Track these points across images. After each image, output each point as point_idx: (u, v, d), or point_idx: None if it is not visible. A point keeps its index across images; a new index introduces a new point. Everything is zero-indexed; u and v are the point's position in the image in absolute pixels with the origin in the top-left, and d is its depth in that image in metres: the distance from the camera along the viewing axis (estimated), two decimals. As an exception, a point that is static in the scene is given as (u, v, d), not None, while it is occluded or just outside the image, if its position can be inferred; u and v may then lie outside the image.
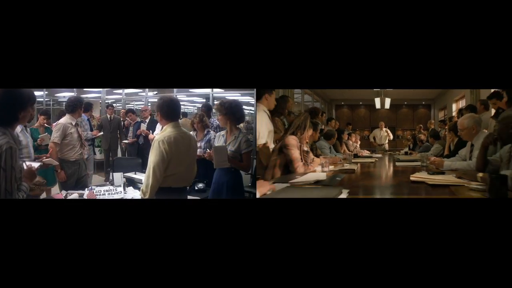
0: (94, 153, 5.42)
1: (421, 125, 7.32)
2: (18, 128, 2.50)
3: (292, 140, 2.49)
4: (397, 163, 3.23)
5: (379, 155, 4.88)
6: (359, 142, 5.98)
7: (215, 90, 5.39)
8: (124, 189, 2.65)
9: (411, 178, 1.82)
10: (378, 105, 8.20)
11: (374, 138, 7.77)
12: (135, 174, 3.32)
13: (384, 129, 7.73)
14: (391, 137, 7.75)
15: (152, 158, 1.89)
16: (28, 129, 2.90)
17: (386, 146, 7.55)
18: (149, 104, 5.97)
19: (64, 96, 7.20)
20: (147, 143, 4.42)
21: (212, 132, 3.44)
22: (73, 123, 2.98)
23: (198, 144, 3.21)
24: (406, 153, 5.27)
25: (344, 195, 1.47)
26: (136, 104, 7.29)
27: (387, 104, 8.19)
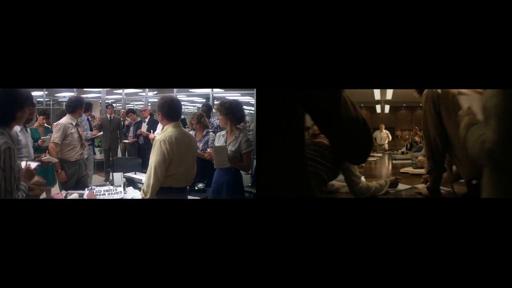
0: (94, 153, 5.42)
1: (417, 127, 7.62)
2: (18, 128, 2.50)
3: None
4: (394, 161, 3.98)
5: (380, 154, 5.36)
6: None
7: (215, 90, 5.40)
8: (124, 189, 2.65)
9: (400, 170, 2.75)
10: (378, 110, 8.89)
11: (375, 138, 8.21)
12: (135, 174, 3.33)
13: (384, 130, 8.29)
14: (390, 138, 8.27)
15: (154, 158, 1.89)
16: (28, 128, 2.90)
17: (386, 146, 8.05)
18: (149, 104, 5.97)
19: (64, 96, 7.20)
20: (148, 143, 4.42)
21: (211, 133, 3.44)
22: (74, 123, 2.98)
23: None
24: (402, 153, 5.63)
25: (363, 178, 1.83)
26: (136, 104, 7.31)
27: (387, 109, 8.90)
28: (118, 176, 2.83)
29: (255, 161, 3.26)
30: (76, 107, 2.99)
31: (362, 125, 0.95)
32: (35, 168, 1.78)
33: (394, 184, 1.91)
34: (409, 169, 2.76)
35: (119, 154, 5.50)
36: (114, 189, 2.61)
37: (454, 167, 1.78)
